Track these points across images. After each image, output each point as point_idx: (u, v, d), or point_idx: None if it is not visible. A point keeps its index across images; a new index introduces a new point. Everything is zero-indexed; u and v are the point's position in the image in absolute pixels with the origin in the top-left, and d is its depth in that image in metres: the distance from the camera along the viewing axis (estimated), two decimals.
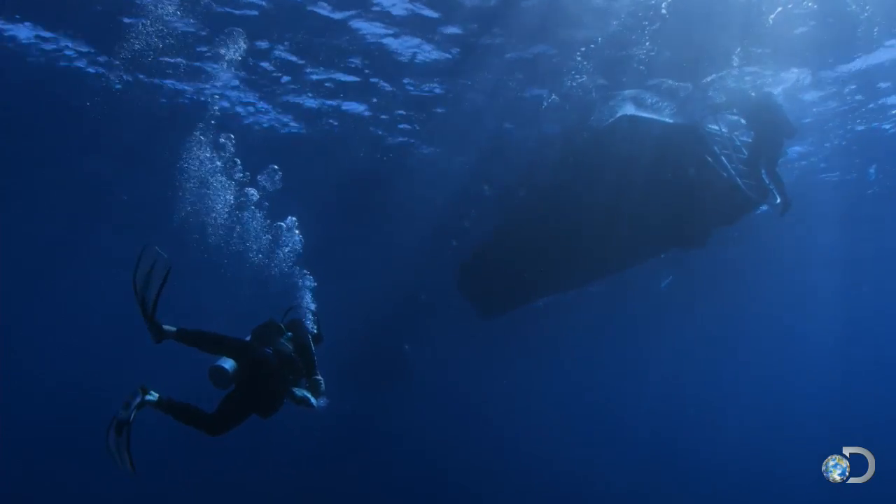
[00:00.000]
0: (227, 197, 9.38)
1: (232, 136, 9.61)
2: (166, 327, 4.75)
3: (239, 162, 9.36)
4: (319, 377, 5.06)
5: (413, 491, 25.65)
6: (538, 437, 35.50)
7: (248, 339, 5.15)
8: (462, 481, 27.44)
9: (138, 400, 4.41)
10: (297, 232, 8.07)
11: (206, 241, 10.15)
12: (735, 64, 10.51)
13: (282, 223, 8.32)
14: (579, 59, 10.15)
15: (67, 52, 10.27)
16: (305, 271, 7.16)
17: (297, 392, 4.92)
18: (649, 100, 11.69)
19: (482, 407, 36.47)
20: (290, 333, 5.27)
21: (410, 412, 31.53)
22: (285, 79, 11.11)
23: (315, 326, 5.66)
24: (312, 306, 6.15)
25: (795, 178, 14.59)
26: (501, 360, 29.52)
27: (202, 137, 9.82)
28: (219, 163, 9.52)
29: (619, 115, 10.86)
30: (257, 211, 9.09)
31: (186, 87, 11.19)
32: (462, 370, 30.70)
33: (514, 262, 13.92)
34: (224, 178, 9.38)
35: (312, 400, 4.93)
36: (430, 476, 27.39)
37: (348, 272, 19.11)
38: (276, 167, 9.71)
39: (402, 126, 12.79)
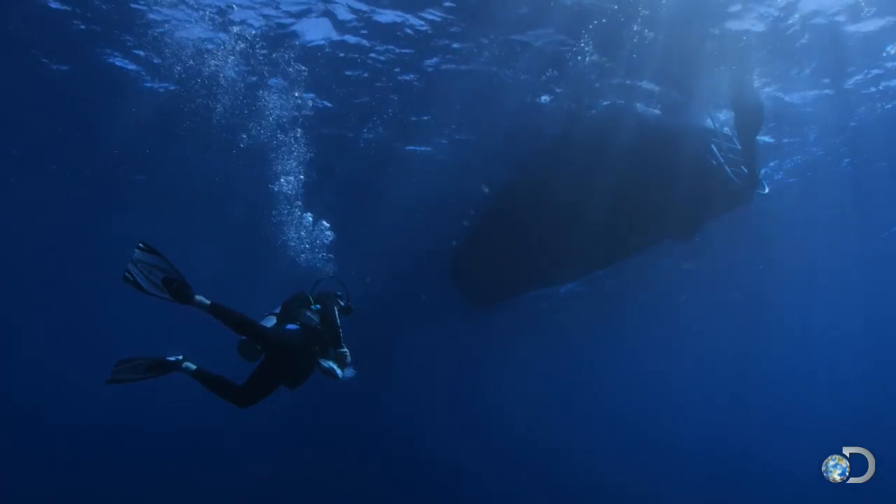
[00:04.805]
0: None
1: None
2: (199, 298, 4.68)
3: None
4: (345, 349, 5.18)
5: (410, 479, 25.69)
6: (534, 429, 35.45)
7: (277, 310, 5.28)
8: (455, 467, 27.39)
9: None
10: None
11: None
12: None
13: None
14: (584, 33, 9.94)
15: None
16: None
17: (323, 363, 5.07)
18: (644, 91, 11.91)
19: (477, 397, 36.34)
20: (317, 306, 5.39)
21: (404, 401, 31.55)
22: None
23: (344, 299, 5.76)
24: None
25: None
26: (498, 351, 29.47)
27: None
28: None
29: (611, 105, 11.01)
30: None
31: None
32: (456, 361, 30.55)
33: (502, 253, 13.99)
34: None
35: (338, 371, 5.08)
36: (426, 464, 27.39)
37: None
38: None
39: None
